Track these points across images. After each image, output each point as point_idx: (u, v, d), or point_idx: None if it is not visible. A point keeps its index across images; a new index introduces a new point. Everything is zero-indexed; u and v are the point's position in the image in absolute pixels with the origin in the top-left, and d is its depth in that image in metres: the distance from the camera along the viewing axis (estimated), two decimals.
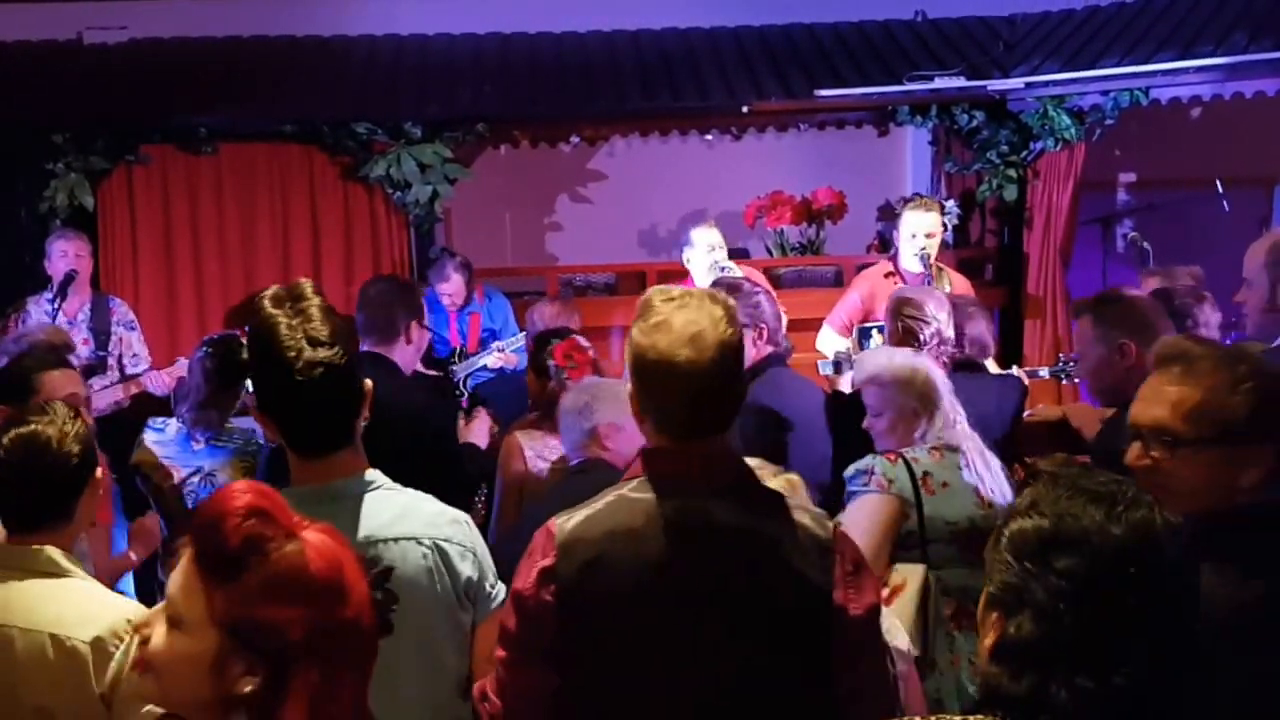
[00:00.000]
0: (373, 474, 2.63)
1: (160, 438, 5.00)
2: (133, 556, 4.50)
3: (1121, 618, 1.79)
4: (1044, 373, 6.53)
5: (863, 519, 3.78)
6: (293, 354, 2.47)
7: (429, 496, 2.70)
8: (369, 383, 2.64)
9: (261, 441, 5.18)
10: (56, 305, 6.72)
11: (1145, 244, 7.67)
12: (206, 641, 1.74)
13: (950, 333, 4.92)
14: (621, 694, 2.37)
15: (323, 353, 2.49)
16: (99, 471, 2.99)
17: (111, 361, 6.88)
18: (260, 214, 8.13)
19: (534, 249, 9.89)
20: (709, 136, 9.04)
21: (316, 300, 2.57)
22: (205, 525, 1.77)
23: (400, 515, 2.61)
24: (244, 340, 5.44)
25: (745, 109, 8.31)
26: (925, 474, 3.90)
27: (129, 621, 2.62)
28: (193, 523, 1.81)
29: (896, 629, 3.30)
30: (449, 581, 2.60)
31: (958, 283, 6.83)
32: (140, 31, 8.56)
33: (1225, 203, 7.90)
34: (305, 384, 2.48)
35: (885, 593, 3.65)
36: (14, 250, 7.65)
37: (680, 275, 7.21)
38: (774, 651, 2.36)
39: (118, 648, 2.61)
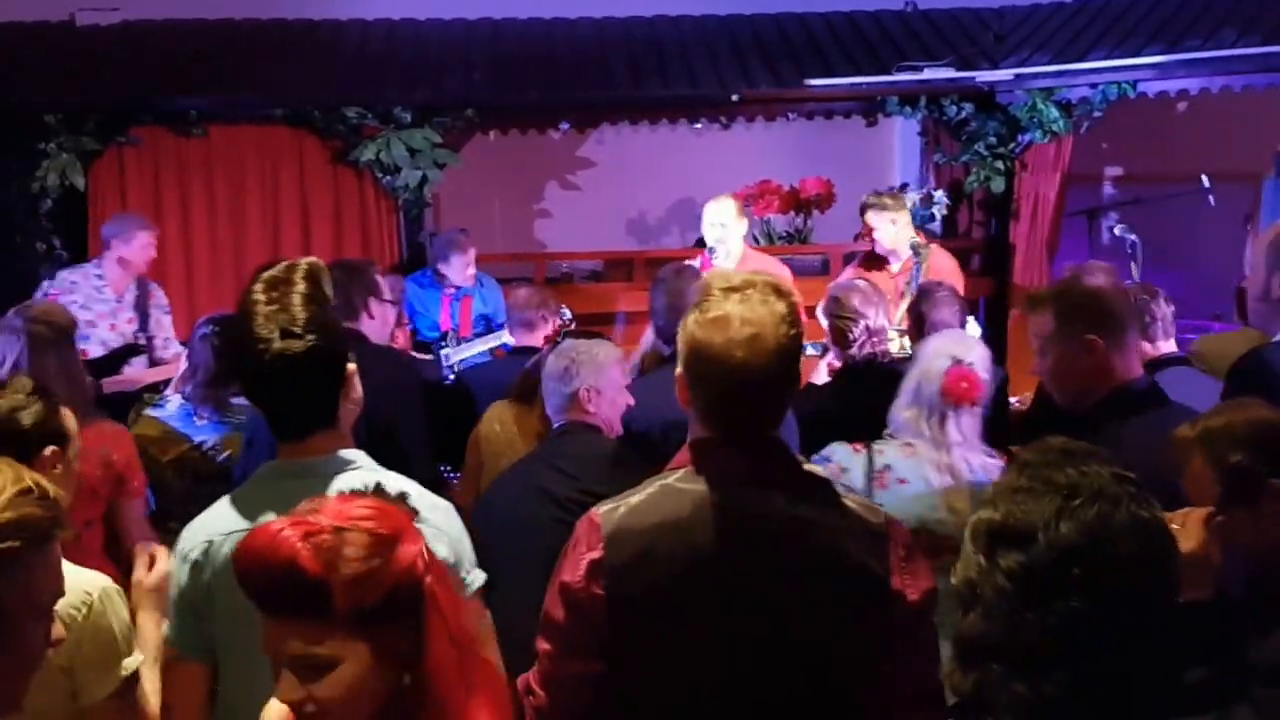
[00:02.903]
0: (352, 454, 2.66)
1: (161, 414, 5.03)
2: None
3: (1061, 621, 1.73)
4: None
5: None
6: (262, 345, 2.52)
7: (409, 480, 2.65)
8: (351, 366, 2.67)
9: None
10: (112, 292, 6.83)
11: (1131, 237, 7.69)
12: (361, 653, 1.81)
13: (882, 323, 4.95)
14: (673, 685, 2.32)
15: (292, 344, 2.52)
16: (49, 450, 2.91)
17: (154, 342, 6.92)
18: (250, 197, 8.14)
19: (522, 235, 9.89)
20: (698, 125, 9.04)
21: (301, 286, 2.60)
22: (282, 577, 1.79)
23: None
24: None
25: (734, 98, 8.32)
26: (885, 466, 3.87)
27: (86, 593, 2.62)
28: (265, 586, 1.83)
29: None
30: None
31: (941, 265, 6.90)
32: (132, 14, 8.55)
33: (1211, 197, 7.94)
34: (272, 373, 2.54)
35: None
36: (5, 230, 7.64)
37: (665, 262, 7.21)
38: (832, 640, 2.31)
39: (76, 617, 2.60)
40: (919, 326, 5.31)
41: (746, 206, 8.83)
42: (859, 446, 3.94)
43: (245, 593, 1.86)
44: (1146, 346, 4.59)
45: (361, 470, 2.64)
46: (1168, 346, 4.80)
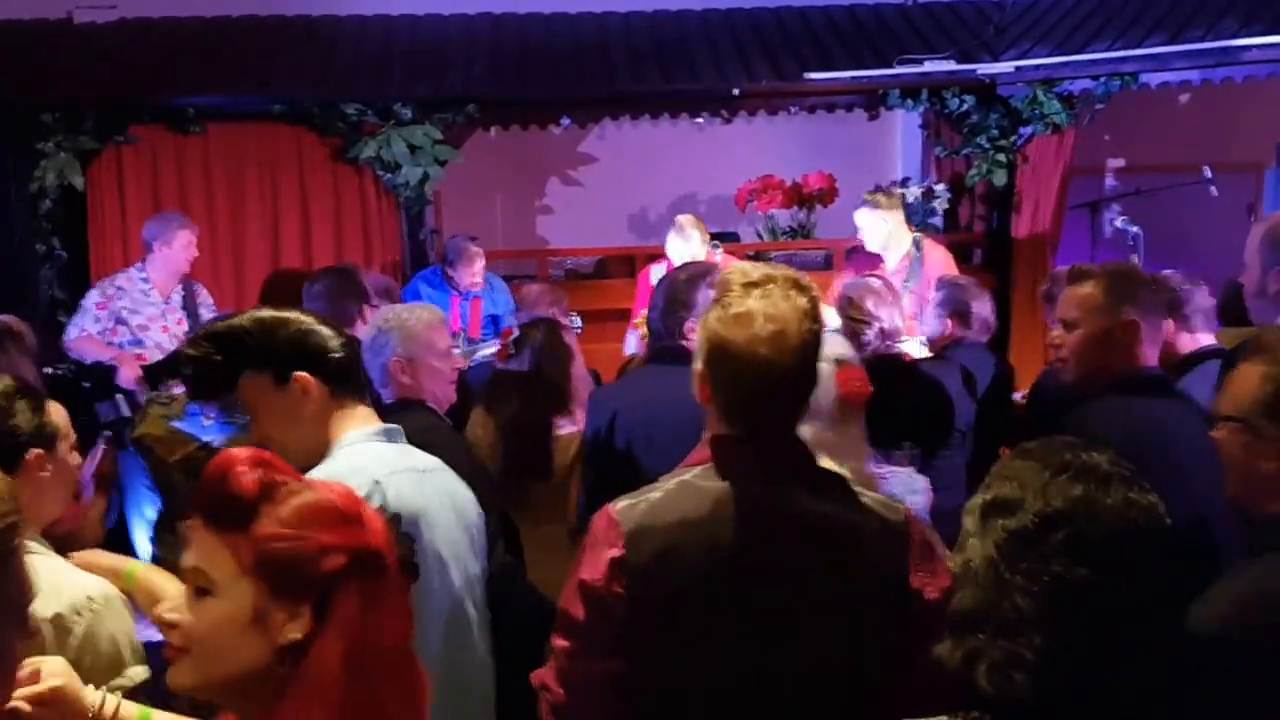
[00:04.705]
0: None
1: (167, 412, 5.03)
2: None
3: (1042, 586, 1.75)
4: None
5: None
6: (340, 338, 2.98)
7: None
8: None
9: None
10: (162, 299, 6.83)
11: (1133, 229, 7.67)
12: (242, 597, 1.73)
13: (897, 324, 4.92)
14: (693, 683, 2.31)
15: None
16: (35, 454, 2.77)
17: None
18: (249, 195, 8.12)
19: (524, 232, 9.88)
20: (699, 119, 9.02)
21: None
22: (215, 481, 1.76)
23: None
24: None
25: (736, 92, 8.31)
26: None
27: (89, 598, 2.60)
28: (200, 485, 1.78)
29: None
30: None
31: (935, 259, 6.90)
32: (129, 11, 8.54)
33: (1213, 188, 7.91)
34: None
35: None
36: (4, 230, 7.62)
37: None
38: (850, 638, 2.29)
39: (78, 623, 2.57)
40: (964, 321, 5.29)
41: (751, 201, 8.84)
42: None
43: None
44: (1185, 337, 4.59)
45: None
46: (1207, 339, 4.75)
